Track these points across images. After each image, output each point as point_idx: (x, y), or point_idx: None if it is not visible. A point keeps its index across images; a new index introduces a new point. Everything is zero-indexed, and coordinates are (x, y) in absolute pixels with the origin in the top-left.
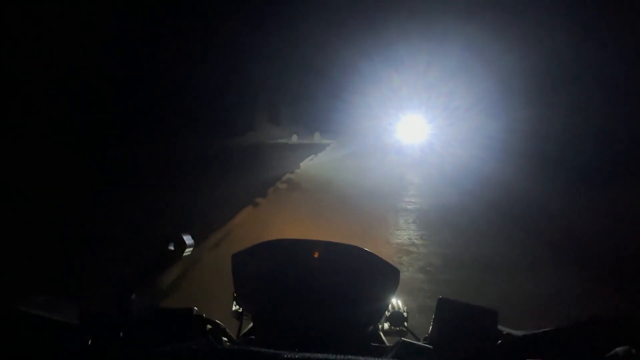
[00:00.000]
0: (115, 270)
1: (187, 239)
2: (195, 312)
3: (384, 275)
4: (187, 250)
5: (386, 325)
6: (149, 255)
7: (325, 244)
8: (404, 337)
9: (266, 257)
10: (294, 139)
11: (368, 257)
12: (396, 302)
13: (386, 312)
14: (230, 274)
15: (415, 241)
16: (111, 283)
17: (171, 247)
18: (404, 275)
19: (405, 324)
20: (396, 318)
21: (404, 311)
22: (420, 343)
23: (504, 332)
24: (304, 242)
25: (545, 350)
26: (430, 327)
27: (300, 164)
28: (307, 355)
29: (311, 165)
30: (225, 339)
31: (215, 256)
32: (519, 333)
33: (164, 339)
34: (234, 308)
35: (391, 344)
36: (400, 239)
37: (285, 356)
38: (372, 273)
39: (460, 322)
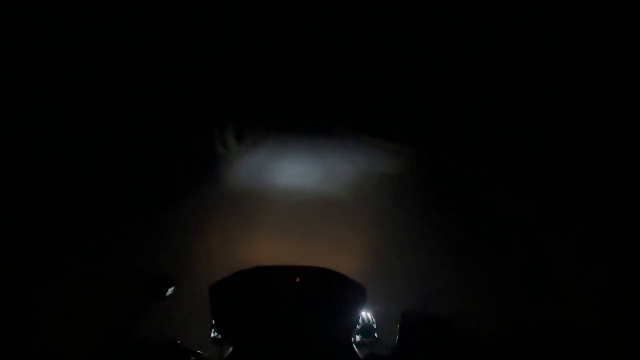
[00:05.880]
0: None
1: (169, 279)
2: (178, 344)
3: (352, 293)
4: (169, 290)
5: (358, 338)
6: (134, 295)
7: (298, 269)
8: (374, 347)
9: (244, 286)
10: None
11: (338, 278)
12: (366, 315)
13: (357, 326)
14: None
15: None
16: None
17: (156, 287)
18: None
19: (375, 334)
20: (366, 330)
21: (373, 323)
22: (387, 353)
23: (463, 337)
24: (278, 269)
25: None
26: (397, 338)
27: None
28: None
29: None
30: None
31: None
32: (475, 338)
33: None
34: (212, 335)
35: (363, 356)
36: None
37: None
38: (341, 293)
39: (421, 333)
